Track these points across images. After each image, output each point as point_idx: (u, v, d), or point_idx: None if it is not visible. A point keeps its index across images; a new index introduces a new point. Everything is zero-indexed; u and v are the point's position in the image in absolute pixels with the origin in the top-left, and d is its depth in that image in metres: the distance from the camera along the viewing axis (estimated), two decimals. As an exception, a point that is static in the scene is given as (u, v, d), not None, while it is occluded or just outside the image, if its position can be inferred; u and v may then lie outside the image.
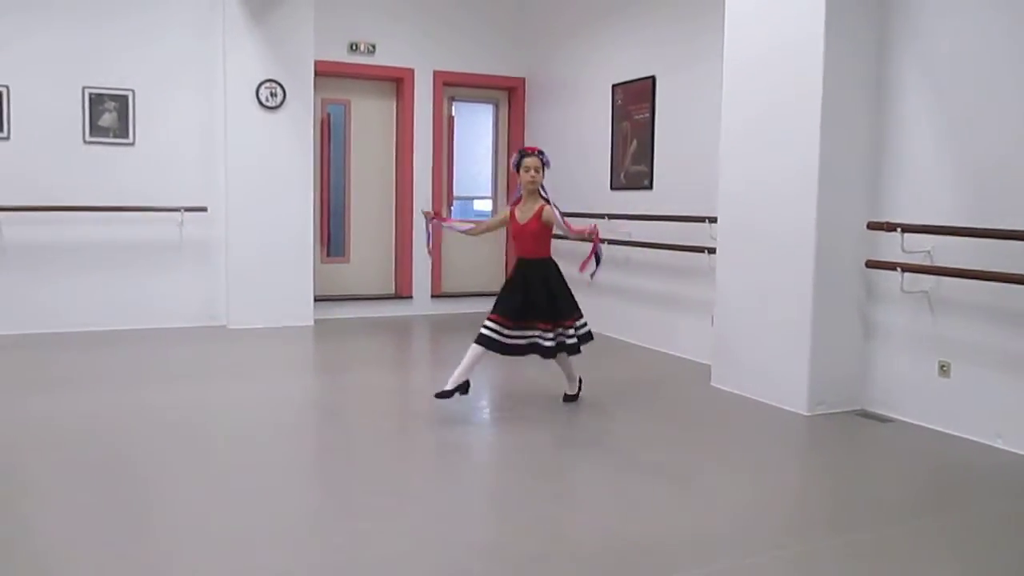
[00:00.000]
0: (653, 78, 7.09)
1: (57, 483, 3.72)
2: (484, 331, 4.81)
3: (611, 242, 7.04)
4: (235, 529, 3.24)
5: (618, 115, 7.57)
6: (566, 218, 4.89)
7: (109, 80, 7.37)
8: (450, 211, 9.12)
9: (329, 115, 8.61)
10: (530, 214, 4.93)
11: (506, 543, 3.18)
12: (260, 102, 7.73)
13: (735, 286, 5.56)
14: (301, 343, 7.35)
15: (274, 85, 7.75)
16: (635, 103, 7.32)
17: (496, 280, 9.40)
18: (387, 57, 8.63)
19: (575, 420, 4.96)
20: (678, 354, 6.77)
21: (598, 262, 4.78)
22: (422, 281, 8.90)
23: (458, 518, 3.46)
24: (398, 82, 8.81)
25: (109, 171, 7.38)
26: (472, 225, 5.55)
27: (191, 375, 5.96)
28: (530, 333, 4.86)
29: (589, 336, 5.07)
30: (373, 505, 3.52)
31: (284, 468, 4.08)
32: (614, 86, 7.59)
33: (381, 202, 8.92)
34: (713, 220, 5.88)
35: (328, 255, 8.70)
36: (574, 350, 4.99)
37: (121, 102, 7.43)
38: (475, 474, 4.18)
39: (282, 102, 7.80)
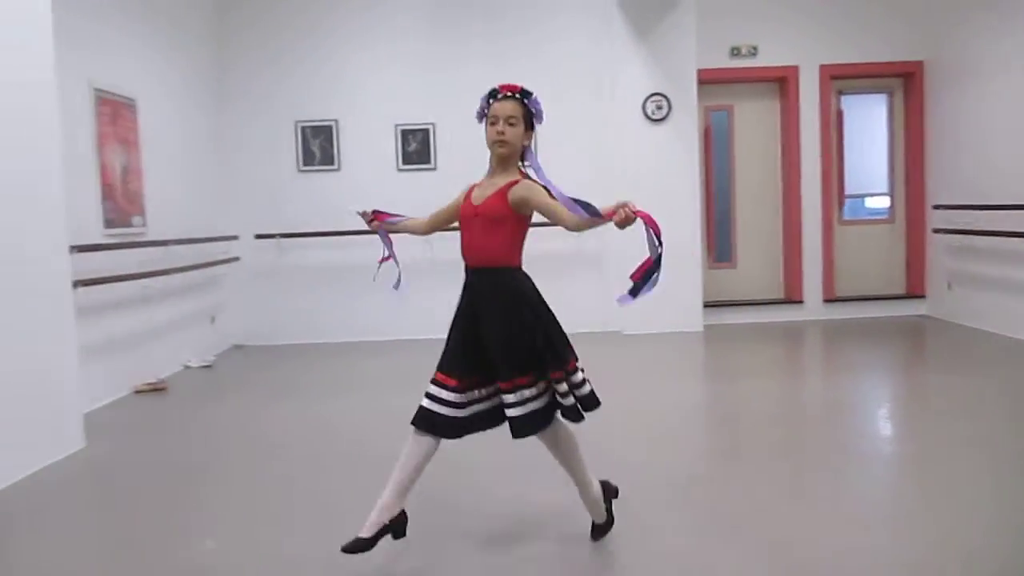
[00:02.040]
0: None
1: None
2: (423, 401, 2.99)
3: None
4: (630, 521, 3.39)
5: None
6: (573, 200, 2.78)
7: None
8: (841, 211, 8.66)
9: (712, 122, 8.66)
10: (491, 191, 2.99)
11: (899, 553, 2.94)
12: (646, 115, 8.01)
13: None
14: (692, 348, 7.45)
15: (660, 98, 7.99)
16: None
17: (896, 282, 8.76)
18: (770, 57, 8.47)
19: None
20: None
21: (658, 266, 2.63)
22: (813, 284, 8.55)
23: (860, 526, 3.28)
24: (782, 81, 8.59)
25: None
26: (417, 218, 3.52)
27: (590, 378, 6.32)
28: (480, 396, 3.00)
29: (593, 399, 3.05)
30: (778, 510, 3.47)
31: (672, 470, 4.15)
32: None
33: (767, 205, 8.74)
34: None
35: (715, 260, 8.73)
36: (574, 415, 2.99)
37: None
38: (880, 485, 3.92)
39: (667, 114, 8.01)
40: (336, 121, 8.20)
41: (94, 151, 5.84)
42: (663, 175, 8.00)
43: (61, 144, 4.70)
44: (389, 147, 8.21)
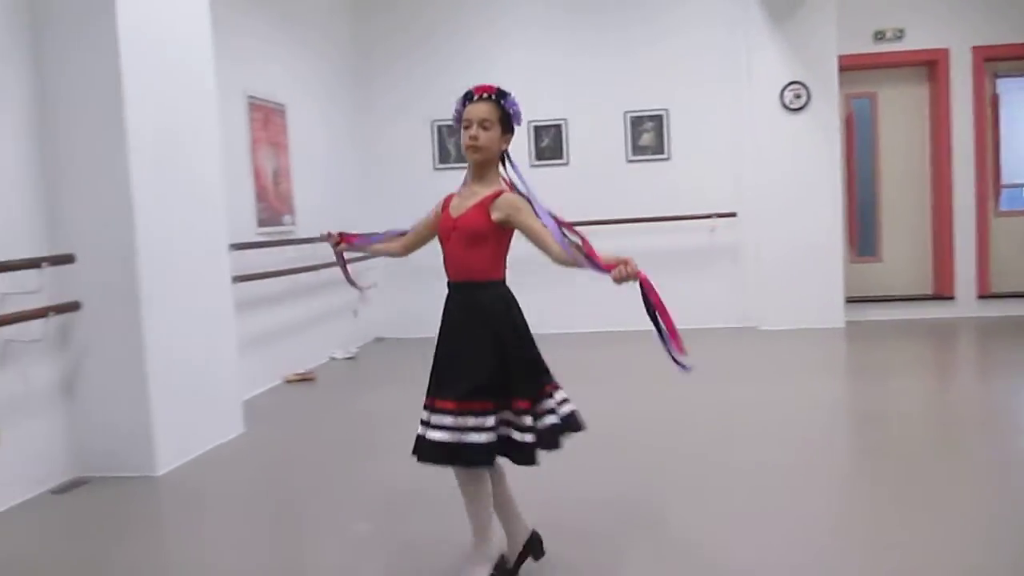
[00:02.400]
0: None
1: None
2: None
3: None
4: (755, 517, 3.33)
5: None
6: (568, 226, 2.69)
7: (646, 102, 8.11)
8: (997, 202, 8.15)
9: (854, 110, 8.33)
10: (471, 202, 2.78)
11: None
12: (784, 105, 7.79)
13: None
14: (833, 345, 7.20)
15: (798, 87, 7.76)
16: None
17: (1060, 276, 8.19)
18: (917, 40, 8.06)
19: None
20: None
21: (661, 334, 2.55)
22: (966, 279, 8.10)
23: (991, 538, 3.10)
24: (930, 65, 8.16)
25: (649, 185, 8.11)
26: (393, 238, 3.27)
27: (723, 375, 6.22)
28: (467, 423, 2.63)
29: (574, 422, 2.76)
30: (901, 516, 3.35)
31: (809, 468, 4.05)
32: None
33: (915, 196, 8.33)
34: None
35: (858, 254, 8.40)
36: (551, 442, 2.68)
37: (657, 121, 8.12)
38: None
39: (806, 103, 7.77)
40: (470, 120, 8.38)
41: (248, 155, 6.22)
42: (801, 166, 7.78)
43: (222, 150, 5.04)
44: (522, 143, 8.33)
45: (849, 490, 3.81)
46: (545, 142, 8.28)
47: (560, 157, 8.27)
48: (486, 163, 2.79)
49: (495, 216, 2.71)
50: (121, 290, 4.21)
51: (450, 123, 8.55)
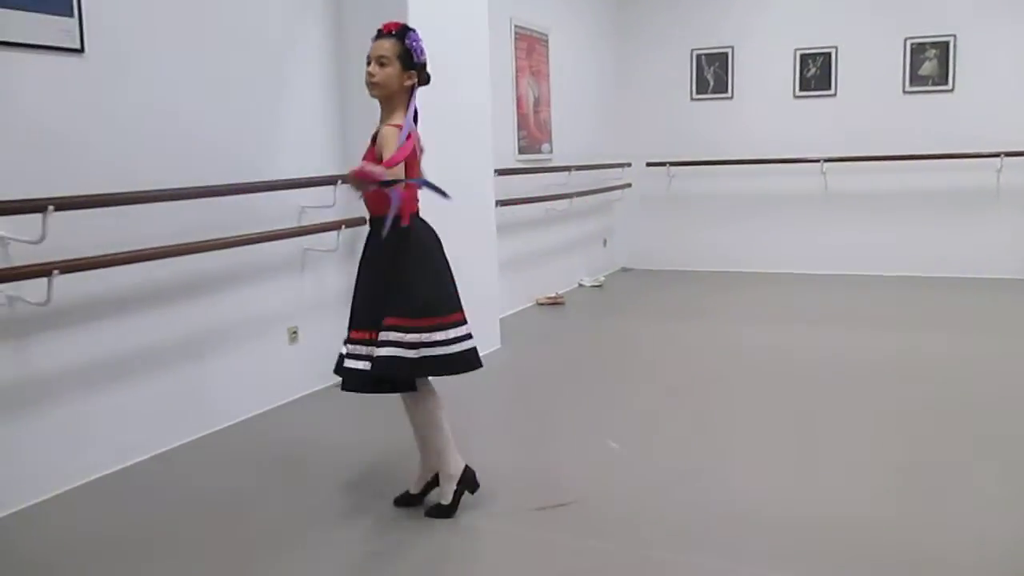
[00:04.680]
0: None
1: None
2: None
3: None
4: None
5: None
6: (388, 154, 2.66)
7: (931, 28, 7.40)
8: None
9: None
10: (369, 140, 2.88)
11: None
12: None
13: None
14: None
15: None
16: None
17: None
18: None
19: None
20: None
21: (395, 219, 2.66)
22: None
23: None
24: None
25: (927, 119, 7.45)
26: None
27: (997, 328, 5.72)
28: (354, 350, 2.84)
29: (462, 359, 2.84)
30: None
31: None
32: None
33: None
34: None
35: None
36: (401, 375, 2.79)
37: (942, 48, 7.40)
38: None
39: None
40: (732, 48, 8.10)
41: (512, 83, 6.45)
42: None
43: (489, 78, 5.28)
44: (786, 73, 7.93)
45: None
46: (812, 71, 7.83)
47: (827, 88, 7.79)
48: (386, 99, 2.80)
49: (377, 148, 2.74)
50: (400, 209, 4.59)
51: (710, 51, 8.40)
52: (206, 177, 3.74)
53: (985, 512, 2.90)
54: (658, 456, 3.54)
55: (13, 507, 3.05)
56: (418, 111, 2.84)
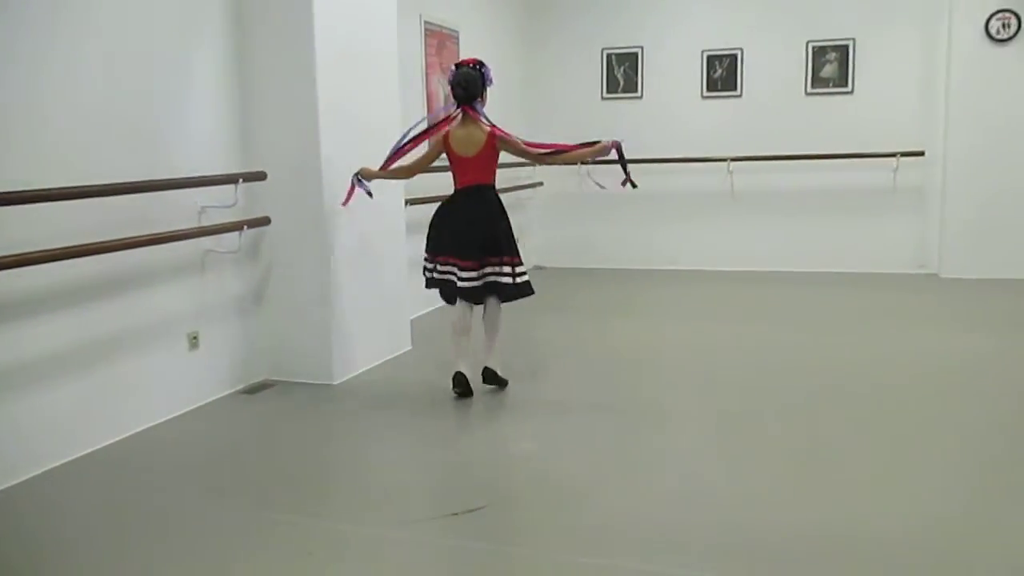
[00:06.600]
0: None
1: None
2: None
3: None
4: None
5: None
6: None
7: (831, 32, 7.63)
8: None
9: (1071, 41, 7.51)
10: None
11: None
12: (990, 35, 7.12)
13: None
14: (1019, 298, 6.68)
15: (1007, 15, 7.06)
16: None
17: None
18: None
19: None
20: None
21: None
22: None
23: None
24: None
25: (828, 120, 7.68)
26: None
27: (895, 321, 5.94)
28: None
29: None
30: None
31: (928, 421, 3.82)
32: None
33: None
34: None
35: (1063, 202, 7.68)
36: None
37: (841, 52, 7.64)
38: None
39: (1015, 33, 7.07)
40: (642, 48, 8.19)
41: (422, 80, 6.35)
42: (1007, 103, 7.13)
43: (398, 74, 5.17)
44: (693, 74, 8.06)
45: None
46: (719, 72, 7.98)
47: (734, 88, 7.95)
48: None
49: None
50: (307, 208, 4.46)
51: (620, 51, 8.46)
52: (103, 175, 3.52)
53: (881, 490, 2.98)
54: (572, 457, 3.52)
55: None
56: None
